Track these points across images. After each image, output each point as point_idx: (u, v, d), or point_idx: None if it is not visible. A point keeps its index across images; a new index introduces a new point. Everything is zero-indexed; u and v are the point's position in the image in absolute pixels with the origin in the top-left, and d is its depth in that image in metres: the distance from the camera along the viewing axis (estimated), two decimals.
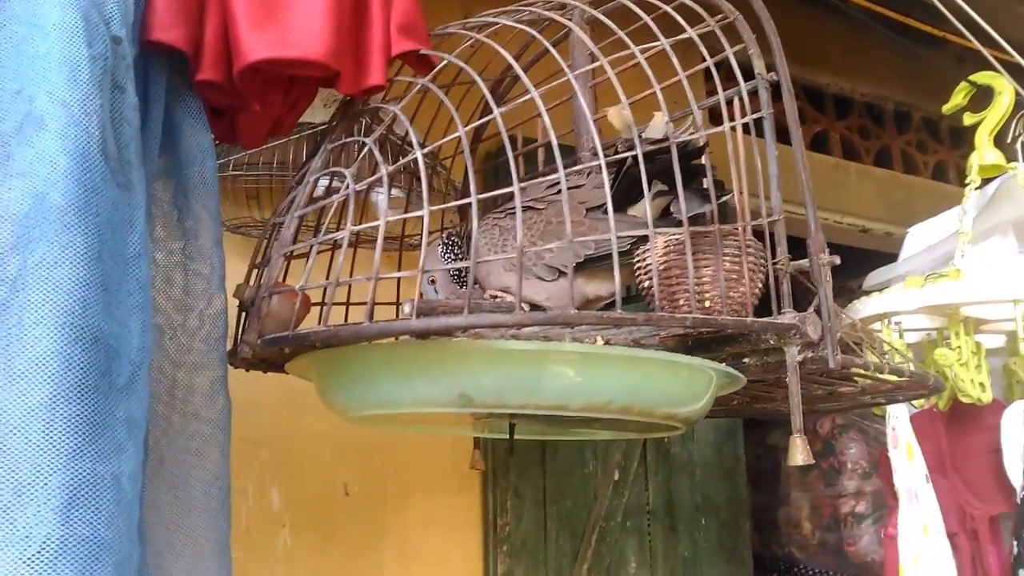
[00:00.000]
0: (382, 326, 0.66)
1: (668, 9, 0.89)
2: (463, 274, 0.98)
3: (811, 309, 0.86)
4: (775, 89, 0.86)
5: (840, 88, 2.76)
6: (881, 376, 1.00)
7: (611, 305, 1.01)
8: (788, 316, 0.81)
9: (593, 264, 0.86)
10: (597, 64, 0.84)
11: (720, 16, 0.90)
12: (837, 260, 0.81)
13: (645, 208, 0.80)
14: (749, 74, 0.86)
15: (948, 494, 1.42)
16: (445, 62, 0.81)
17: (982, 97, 1.51)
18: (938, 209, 1.64)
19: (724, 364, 0.83)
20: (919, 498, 1.30)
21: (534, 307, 0.91)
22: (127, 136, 0.67)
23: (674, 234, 0.78)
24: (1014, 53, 1.35)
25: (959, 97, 1.51)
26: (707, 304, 0.78)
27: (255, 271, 0.83)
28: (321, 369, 0.81)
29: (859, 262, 1.95)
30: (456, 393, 0.73)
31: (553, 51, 0.82)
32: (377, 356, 0.76)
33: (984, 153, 1.42)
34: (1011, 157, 1.47)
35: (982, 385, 1.30)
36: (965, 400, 1.31)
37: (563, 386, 0.73)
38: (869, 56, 2.71)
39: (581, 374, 0.73)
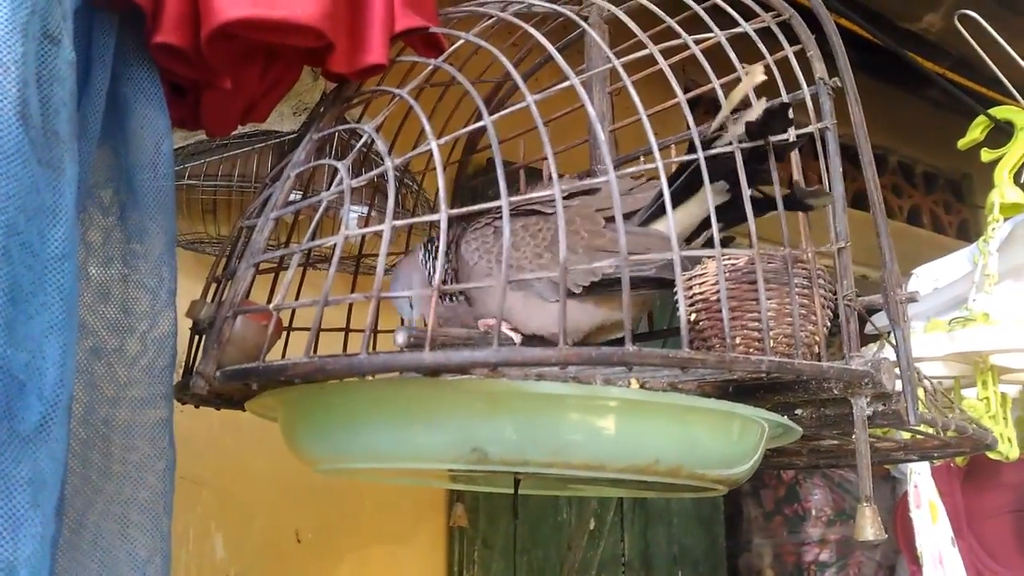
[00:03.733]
0: (384, 359, 0.51)
1: (720, 2, 0.77)
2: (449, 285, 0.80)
3: (875, 353, 0.73)
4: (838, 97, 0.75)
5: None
6: (929, 432, 0.88)
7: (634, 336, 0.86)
8: (858, 361, 0.68)
9: (609, 288, 0.71)
10: (629, 59, 0.71)
11: (774, 13, 0.79)
12: (919, 296, 0.69)
13: (671, 223, 0.66)
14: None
15: (964, 557, 1.31)
16: (462, 41, 0.67)
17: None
18: (912, 253, 1.56)
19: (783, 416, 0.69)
20: (944, 563, 1.18)
21: (531, 338, 0.76)
22: (58, 100, 0.51)
23: (735, 258, 0.64)
24: None
25: (976, 132, 1.42)
26: (771, 345, 0.65)
27: (214, 286, 0.67)
28: (292, 411, 0.65)
29: None
30: (468, 447, 0.57)
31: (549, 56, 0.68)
32: (367, 397, 0.60)
33: (1005, 191, 1.34)
34: None
35: (1010, 440, 1.19)
36: (994, 457, 1.20)
37: (603, 441, 0.59)
38: (846, 99, 2.66)
39: (626, 427, 0.58)
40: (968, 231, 2.93)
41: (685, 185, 0.68)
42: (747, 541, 2.82)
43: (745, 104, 0.62)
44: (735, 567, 2.74)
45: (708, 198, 0.58)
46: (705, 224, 0.72)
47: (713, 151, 0.60)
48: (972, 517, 1.33)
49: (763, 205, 0.65)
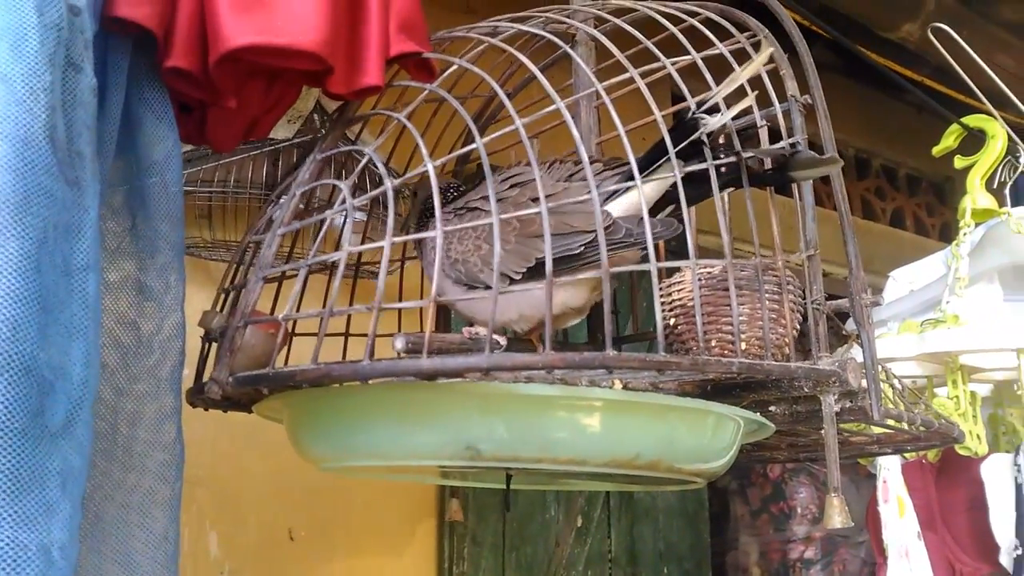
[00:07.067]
0: (386, 365, 0.55)
1: (695, 23, 0.81)
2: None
3: (843, 354, 0.78)
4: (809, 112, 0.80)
5: None
6: (899, 426, 0.93)
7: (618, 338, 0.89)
8: (826, 362, 0.73)
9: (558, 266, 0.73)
10: (612, 83, 0.75)
11: (748, 34, 0.84)
12: (882, 300, 0.74)
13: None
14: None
15: (937, 550, 1.36)
16: (454, 67, 0.71)
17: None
18: (896, 255, 1.60)
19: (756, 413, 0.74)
20: (910, 556, 1.23)
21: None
22: (81, 124, 0.55)
23: (710, 267, 0.69)
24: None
25: (949, 139, 1.48)
26: (743, 347, 0.70)
27: (224, 297, 0.71)
28: (298, 412, 0.69)
29: None
30: (463, 444, 0.62)
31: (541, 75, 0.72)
32: (368, 400, 0.65)
33: (977, 197, 1.39)
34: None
35: (978, 437, 1.25)
36: (962, 452, 1.25)
37: (587, 438, 0.63)
38: (829, 101, 2.72)
39: (609, 425, 0.63)
40: (950, 233, 2.97)
41: (644, 166, 0.70)
42: (734, 539, 2.86)
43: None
44: (722, 564, 2.78)
45: (688, 227, 0.62)
46: (660, 202, 0.75)
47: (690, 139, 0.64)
48: (945, 511, 1.38)
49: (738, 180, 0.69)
